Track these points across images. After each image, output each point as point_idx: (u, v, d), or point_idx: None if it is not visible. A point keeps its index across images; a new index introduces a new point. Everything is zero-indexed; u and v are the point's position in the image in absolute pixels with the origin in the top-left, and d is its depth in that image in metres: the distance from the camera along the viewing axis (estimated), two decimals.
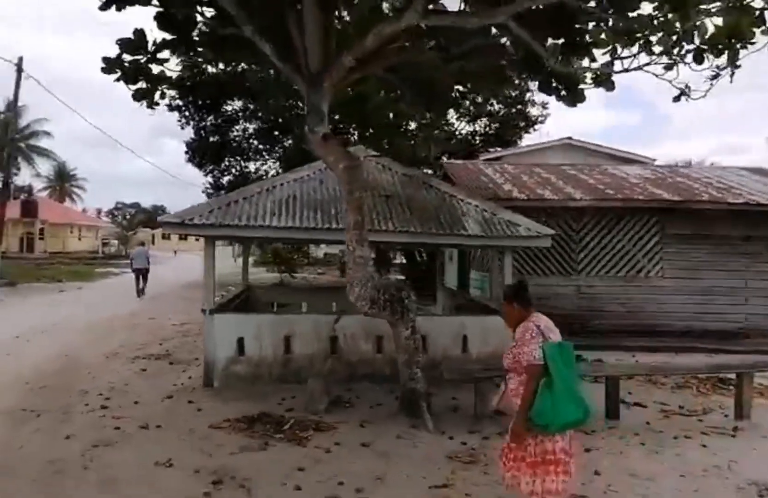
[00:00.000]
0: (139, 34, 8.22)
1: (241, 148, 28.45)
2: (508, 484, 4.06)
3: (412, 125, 24.15)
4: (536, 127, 28.10)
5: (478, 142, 28.12)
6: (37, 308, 17.44)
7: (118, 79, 8.78)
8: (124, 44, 8.25)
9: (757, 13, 6.02)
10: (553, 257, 13.67)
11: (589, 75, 7.68)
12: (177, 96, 24.69)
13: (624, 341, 12.60)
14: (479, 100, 23.19)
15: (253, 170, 28.86)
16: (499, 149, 25.48)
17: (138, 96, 9.28)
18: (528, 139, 27.65)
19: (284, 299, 12.34)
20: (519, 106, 26.95)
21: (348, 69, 6.72)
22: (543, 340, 3.86)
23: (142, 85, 9.09)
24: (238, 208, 8.72)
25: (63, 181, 68.27)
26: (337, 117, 19.98)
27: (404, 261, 28.10)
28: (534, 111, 27.52)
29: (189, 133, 28.01)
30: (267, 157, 29.01)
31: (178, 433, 6.62)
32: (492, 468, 5.81)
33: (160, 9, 8.02)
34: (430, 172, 20.99)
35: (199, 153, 28.19)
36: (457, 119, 27.47)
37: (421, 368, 7.15)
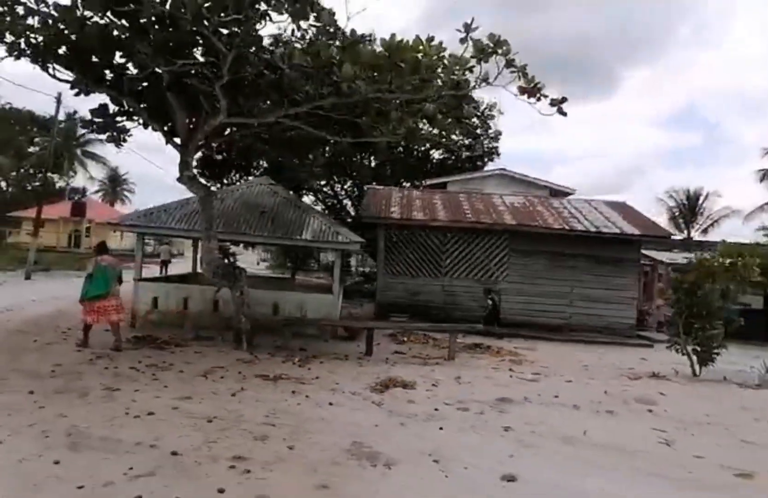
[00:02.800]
0: (103, 106, 13.11)
1: (242, 166, 33.77)
2: (86, 321, 10.25)
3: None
4: (493, 157, 32.37)
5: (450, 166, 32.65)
6: (58, 285, 22.88)
7: (91, 131, 13.77)
8: (93, 111, 13.14)
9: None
10: (425, 262, 18.02)
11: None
12: None
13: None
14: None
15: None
16: (466, 175, 29.83)
17: (108, 140, 14.23)
18: (491, 165, 32.14)
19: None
20: (474, 141, 31.28)
21: (203, 138, 11.50)
22: (95, 265, 9.77)
23: (110, 134, 14.06)
24: (158, 216, 13.58)
25: (115, 185, 75.87)
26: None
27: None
28: (491, 143, 31.82)
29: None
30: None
31: (97, 343, 11.44)
32: (258, 365, 10.39)
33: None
34: None
35: (208, 169, 33.75)
36: (430, 149, 32.14)
37: (246, 316, 11.73)
